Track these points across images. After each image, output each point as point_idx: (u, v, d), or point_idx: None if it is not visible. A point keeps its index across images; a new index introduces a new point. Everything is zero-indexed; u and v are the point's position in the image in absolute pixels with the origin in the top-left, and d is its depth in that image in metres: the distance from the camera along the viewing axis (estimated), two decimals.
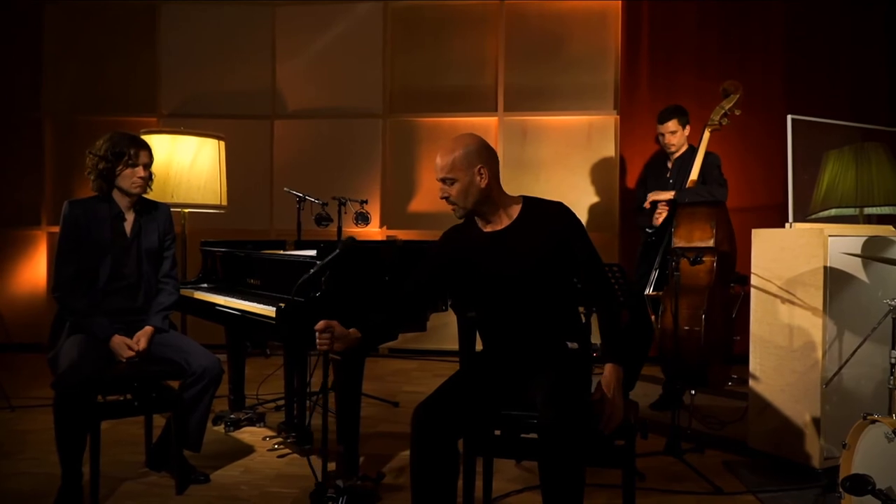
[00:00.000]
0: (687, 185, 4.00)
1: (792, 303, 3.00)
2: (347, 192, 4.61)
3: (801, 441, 2.93)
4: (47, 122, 6.06)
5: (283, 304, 2.72)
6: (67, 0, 6.05)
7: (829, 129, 3.42)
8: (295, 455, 3.26)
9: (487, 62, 5.89)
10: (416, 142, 5.97)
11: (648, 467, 3.07)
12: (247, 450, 3.35)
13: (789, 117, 3.19)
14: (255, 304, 2.98)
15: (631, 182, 5.37)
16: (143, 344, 2.83)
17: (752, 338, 3.20)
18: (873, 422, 2.26)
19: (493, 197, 2.25)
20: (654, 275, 3.97)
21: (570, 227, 2.24)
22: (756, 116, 5.08)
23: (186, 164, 4.38)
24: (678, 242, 3.81)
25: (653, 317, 3.86)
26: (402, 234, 5.80)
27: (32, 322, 5.80)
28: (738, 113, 4.15)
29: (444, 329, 5.39)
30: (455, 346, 3.74)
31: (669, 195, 4.00)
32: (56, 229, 5.28)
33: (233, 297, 3.22)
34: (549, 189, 5.63)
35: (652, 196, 4.08)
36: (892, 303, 2.43)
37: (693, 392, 3.62)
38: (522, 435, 2.27)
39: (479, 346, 2.48)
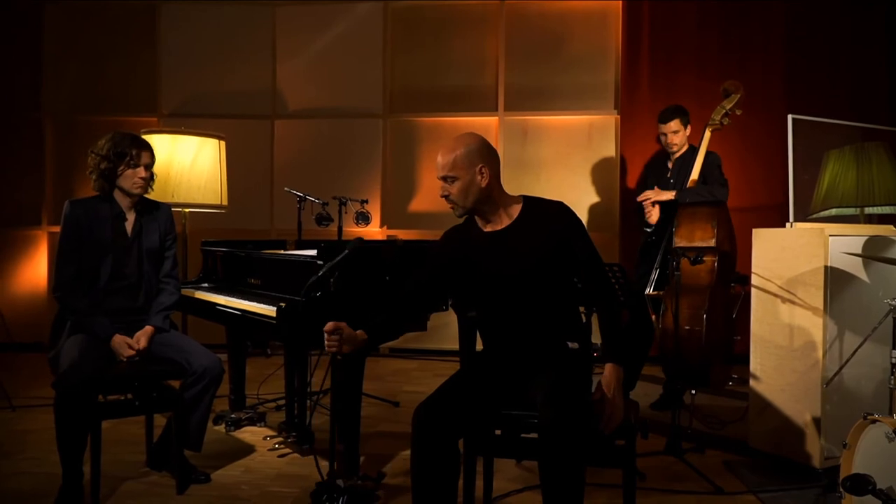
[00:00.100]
0: (688, 185, 4.00)
1: (792, 302, 3.00)
2: (348, 191, 4.62)
3: (802, 441, 2.94)
4: (48, 122, 6.07)
5: (283, 304, 2.72)
6: (67, 0, 6.06)
7: (830, 128, 3.42)
8: (296, 455, 3.27)
9: (488, 62, 5.89)
10: (417, 142, 5.98)
11: (649, 467, 3.07)
12: (247, 449, 3.35)
13: (790, 117, 3.19)
14: (255, 304, 2.98)
15: (631, 182, 5.38)
16: (143, 343, 2.83)
17: (753, 337, 3.20)
18: (874, 421, 2.26)
19: (493, 196, 2.25)
20: (655, 274, 3.97)
21: (570, 227, 2.24)
22: (756, 116, 5.08)
23: (187, 164, 4.38)
24: (679, 242, 3.82)
25: (653, 316, 3.87)
26: (403, 234, 5.80)
27: (33, 322, 5.81)
28: (738, 112, 4.15)
29: (445, 329, 5.39)
30: (455, 346, 3.74)
31: (670, 195, 4.01)
32: (56, 229, 5.29)
33: (233, 296, 3.22)
34: (549, 189, 5.63)
35: (641, 196, 4.09)
36: (893, 302, 2.43)
37: (693, 392, 3.62)
38: (523, 434, 2.28)
39: (479, 346, 2.48)
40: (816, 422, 2.88)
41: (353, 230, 4.61)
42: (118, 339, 2.80)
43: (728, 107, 4.11)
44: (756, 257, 3.18)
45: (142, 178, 2.89)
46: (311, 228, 4.11)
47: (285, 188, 4.34)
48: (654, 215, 4.05)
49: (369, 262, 2.90)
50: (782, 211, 3.35)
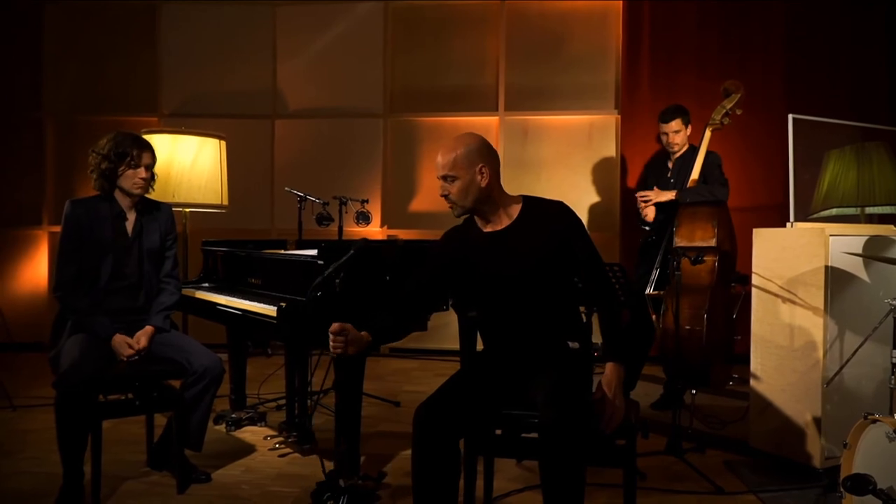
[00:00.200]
0: (688, 185, 4.00)
1: (793, 302, 3.00)
2: (348, 191, 4.62)
3: (803, 441, 2.93)
4: (48, 122, 6.07)
5: (284, 304, 2.72)
6: (67, 0, 6.06)
7: (830, 128, 3.42)
8: (296, 454, 3.27)
9: (488, 62, 5.89)
10: (417, 141, 5.98)
11: (649, 467, 3.07)
12: (248, 449, 3.35)
13: (791, 116, 3.18)
14: (256, 304, 2.98)
15: (632, 182, 5.38)
16: (143, 343, 2.83)
17: (753, 337, 3.20)
18: (874, 421, 2.26)
19: (493, 196, 2.25)
20: (655, 274, 3.97)
21: (570, 227, 2.24)
22: (756, 116, 5.08)
23: (187, 164, 4.38)
24: (679, 242, 3.82)
25: (654, 316, 3.87)
26: (403, 234, 5.80)
27: (34, 321, 5.81)
28: (739, 112, 4.15)
29: (445, 328, 5.39)
30: (456, 346, 3.74)
31: (670, 195, 4.01)
32: (57, 229, 5.29)
33: (234, 296, 3.22)
34: (549, 188, 5.63)
35: (640, 194, 4.09)
36: (894, 302, 2.43)
37: (694, 392, 3.62)
38: (523, 434, 2.27)
39: (479, 346, 2.48)
40: (817, 422, 2.88)
41: (354, 230, 4.61)
42: (118, 339, 2.80)
43: (728, 106, 4.11)
44: (756, 257, 3.18)
45: (142, 178, 2.89)
46: (311, 228, 4.11)
47: (286, 188, 4.34)
48: (650, 214, 4.06)
49: (371, 262, 2.90)
50: (782, 211, 3.35)
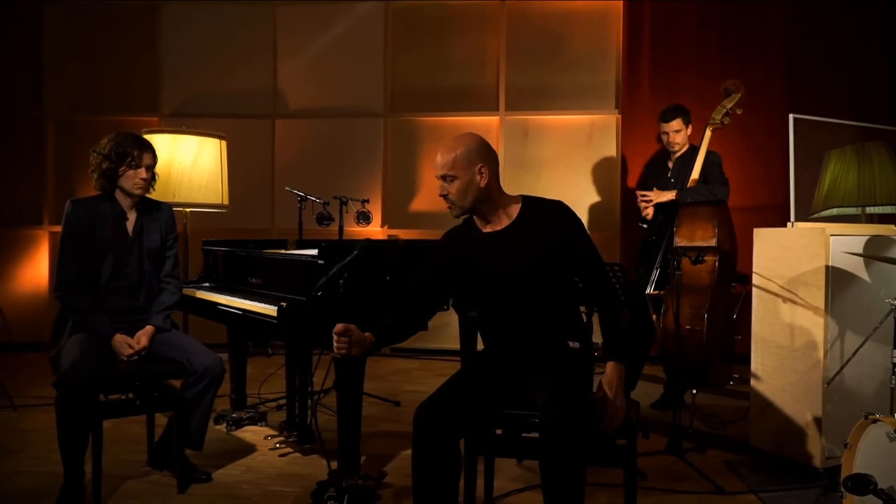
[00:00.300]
0: (688, 185, 4.01)
1: (793, 302, 3.00)
2: (349, 191, 4.62)
3: (803, 440, 2.94)
4: (48, 122, 6.07)
5: (284, 304, 2.72)
6: (67, 0, 6.06)
7: (831, 128, 3.42)
8: (297, 454, 3.27)
9: (488, 62, 5.89)
10: (418, 141, 5.98)
11: (650, 466, 3.07)
12: (248, 449, 3.36)
13: (791, 116, 3.18)
14: (256, 304, 2.97)
15: (632, 182, 5.37)
16: (144, 342, 2.83)
17: (754, 337, 3.20)
18: (875, 421, 2.26)
19: (492, 197, 2.25)
20: (656, 274, 3.98)
21: (570, 227, 2.24)
22: (756, 116, 5.08)
23: (188, 164, 4.38)
24: (680, 242, 3.82)
25: (654, 316, 3.87)
26: (404, 234, 5.80)
27: (34, 321, 5.81)
28: (739, 112, 4.16)
29: (446, 328, 5.39)
30: (456, 346, 3.74)
31: (670, 195, 4.01)
32: (58, 229, 5.30)
33: (234, 296, 3.22)
34: (550, 188, 5.63)
35: (641, 194, 4.10)
36: (894, 302, 2.43)
37: (694, 391, 3.62)
38: (524, 434, 2.27)
39: (480, 346, 2.48)
40: (817, 421, 2.88)
41: (354, 230, 4.61)
42: (119, 339, 2.80)
43: (728, 106, 4.11)
44: (757, 257, 3.18)
45: (143, 178, 2.89)
46: (311, 228, 4.11)
47: (286, 188, 4.34)
48: (650, 213, 4.06)
49: (371, 262, 2.90)
50: (783, 211, 3.35)
